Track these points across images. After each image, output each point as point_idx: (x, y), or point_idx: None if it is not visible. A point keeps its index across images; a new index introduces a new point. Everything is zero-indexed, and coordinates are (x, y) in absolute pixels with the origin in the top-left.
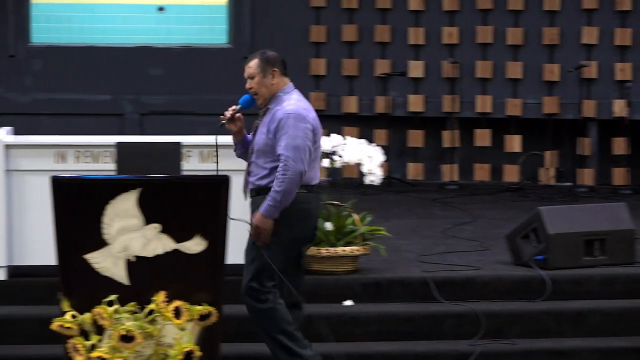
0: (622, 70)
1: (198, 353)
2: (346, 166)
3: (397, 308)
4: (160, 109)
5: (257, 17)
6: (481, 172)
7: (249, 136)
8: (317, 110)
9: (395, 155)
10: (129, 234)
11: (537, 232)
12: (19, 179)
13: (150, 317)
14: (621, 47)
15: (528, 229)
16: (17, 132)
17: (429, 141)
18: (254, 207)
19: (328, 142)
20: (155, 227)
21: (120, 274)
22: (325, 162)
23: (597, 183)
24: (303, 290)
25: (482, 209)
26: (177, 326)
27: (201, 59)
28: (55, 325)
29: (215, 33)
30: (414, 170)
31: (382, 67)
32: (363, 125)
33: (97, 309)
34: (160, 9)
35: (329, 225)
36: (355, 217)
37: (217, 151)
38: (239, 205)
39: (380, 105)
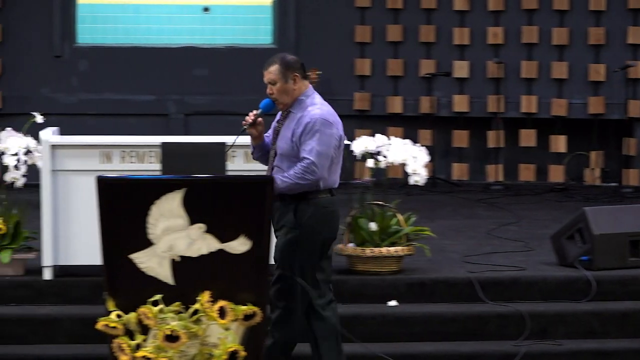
0: None
1: (242, 353)
2: (391, 166)
3: (442, 308)
4: (205, 109)
5: (301, 17)
6: (526, 173)
7: (267, 138)
8: (361, 111)
9: (440, 156)
10: (173, 234)
11: (582, 233)
12: (64, 179)
13: (195, 317)
14: None
15: (573, 229)
16: (62, 133)
17: (474, 141)
18: (278, 213)
19: (372, 143)
20: (200, 227)
21: (165, 274)
22: (370, 163)
23: None
24: (346, 290)
25: (527, 210)
26: (221, 326)
27: (246, 59)
28: (100, 324)
29: (260, 33)
30: (458, 171)
31: (427, 67)
32: (408, 126)
33: (142, 309)
34: (206, 9)
35: (373, 226)
36: (400, 217)
37: (224, 153)
38: None
39: (425, 105)
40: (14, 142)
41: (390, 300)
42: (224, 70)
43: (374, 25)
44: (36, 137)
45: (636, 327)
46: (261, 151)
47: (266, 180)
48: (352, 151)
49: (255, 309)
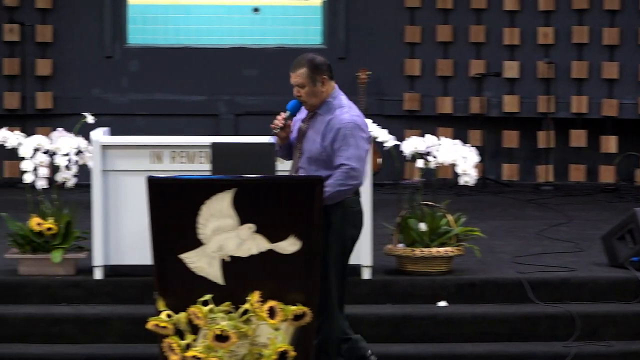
0: None
1: (292, 353)
2: (440, 167)
3: (492, 309)
4: (255, 110)
5: (351, 17)
6: (577, 173)
7: (291, 136)
8: (411, 111)
9: (489, 156)
10: (223, 234)
11: (633, 234)
12: (115, 179)
13: (245, 316)
14: None
15: (624, 230)
16: (113, 133)
17: (524, 142)
18: None
19: (422, 143)
20: (249, 227)
21: (215, 274)
22: (420, 163)
23: None
24: (396, 291)
25: (578, 210)
26: (271, 326)
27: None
28: (151, 324)
29: (309, 34)
30: (508, 171)
31: (476, 67)
32: (457, 126)
33: (192, 309)
34: (255, 10)
35: (423, 226)
36: (450, 217)
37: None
38: None
39: (475, 105)
40: (65, 142)
41: (440, 300)
42: (274, 70)
43: (423, 26)
44: (87, 138)
45: None
46: (286, 150)
47: (316, 180)
48: (401, 151)
49: (305, 309)
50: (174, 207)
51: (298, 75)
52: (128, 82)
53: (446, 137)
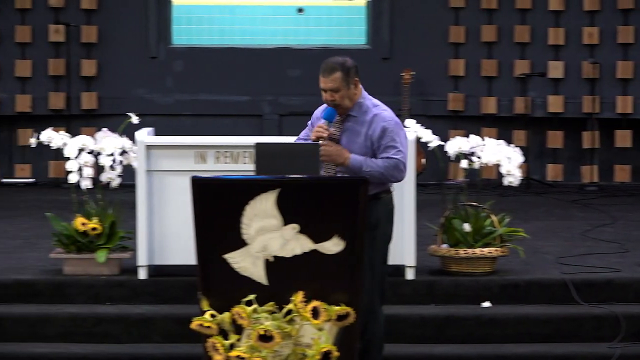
0: None
1: (336, 353)
2: (485, 167)
3: (536, 310)
4: (299, 110)
5: (395, 17)
6: (621, 174)
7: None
8: (455, 111)
9: (534, 156)
10: (267, 234)
11: None
12: (159, 179)
13: (289, 317)
14: None
15: None
16: (158, 133)
17: (569, 142)
18: None
19: (466, 143)
20: (293, 227)
21: (259, 274)
22: (464, 163)
23: None
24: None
25: (623, 211)
26: (315, 326)
27: None
28: (195, 324)
29: (354, 34)
30: (553, 172)
31: (521, 67)
32: (502, 126)
33: (236, 309)
34: (300, 10)
35: (467, 227)
36: (494, 218)
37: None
38: None
39: (520, 106)
40: (109, 142)
41: (484, 301)
42: (318, 71)
43: (468, 26)
44: (132, 138)
45: None
46: None
47: (360, 181)
48: (445, 152)
49: (349, 309)
50: (218, 207)
51: (332, 80)
52: (172, 82)
53: (490, 137)
